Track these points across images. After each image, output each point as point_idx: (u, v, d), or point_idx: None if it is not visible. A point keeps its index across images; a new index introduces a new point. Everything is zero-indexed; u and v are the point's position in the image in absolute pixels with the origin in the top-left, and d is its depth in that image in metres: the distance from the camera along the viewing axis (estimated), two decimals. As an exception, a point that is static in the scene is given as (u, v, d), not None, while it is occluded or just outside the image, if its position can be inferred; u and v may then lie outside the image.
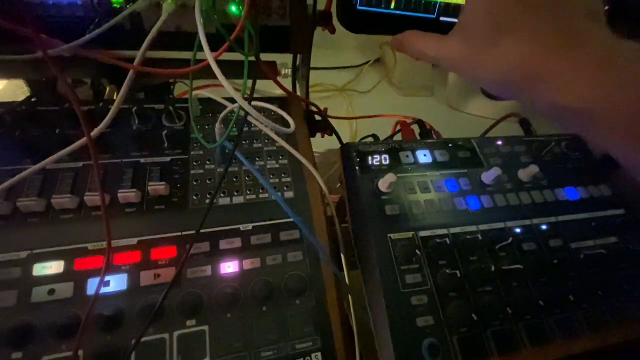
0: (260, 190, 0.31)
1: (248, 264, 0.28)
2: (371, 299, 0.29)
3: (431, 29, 0.32)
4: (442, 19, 0.31)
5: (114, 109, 0.24)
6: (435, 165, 0.37)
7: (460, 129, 0.66)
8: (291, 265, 0.28)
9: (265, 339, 0.25)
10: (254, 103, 0.31)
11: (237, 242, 0.28)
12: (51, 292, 0.24)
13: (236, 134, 0.32)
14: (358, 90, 0.87)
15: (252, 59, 0.27)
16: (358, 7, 0.31)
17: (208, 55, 0.22)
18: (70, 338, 0.23)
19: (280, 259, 0.28)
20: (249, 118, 0.25)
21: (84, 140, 0.23)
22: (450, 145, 0.39)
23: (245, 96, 0.25)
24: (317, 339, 0.26)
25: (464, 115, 0.85)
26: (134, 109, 0.31)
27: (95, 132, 0.23)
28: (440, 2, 0.31)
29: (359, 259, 0.32)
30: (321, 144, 0.50)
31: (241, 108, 0.24)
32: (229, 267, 0.27)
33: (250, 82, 0.27)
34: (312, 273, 0.28)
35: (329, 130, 0.40)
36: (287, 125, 0.29)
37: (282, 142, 0.31)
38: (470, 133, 0.53)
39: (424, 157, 0.37)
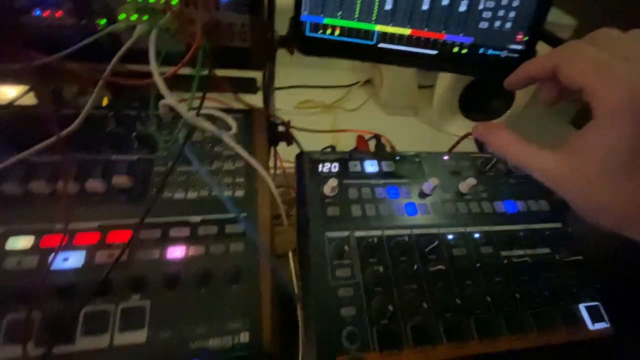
0: (215, 187, 0.35)
1: (192, 251, 0.31)
2: (303, 288, 0.32)
3: (370, 53, 0.36)
4: (380, 45, 0.36)
5: (83, 113, 0.29)
6: (380, 174, 0.40)
7: (436, 146, 0.69)
8: (232, 255, 0.32)
9: (200, 317, 0.29)
10: (209, 112, 0.36)
11: (185, 232, 0.32)
12: (19, 262, 0.28)
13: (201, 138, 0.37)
14: (345, 108, 0.92)
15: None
16: (306, 34, 0.35)
17: (155, 72, 0.27)
18: (26, 304, 0.27)
19: (222, 249, 0.32)
20: (195, 124, 0.29)
21: (55, 137, 0.28)
22: (398, 157, 0.42)
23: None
24: (247, 321, 0.29)
25: (442, 134, 0.88)
26: (110, 114, 0.36)
27: (64, 132, 0.28)
28: (378, 31, 0.35)
29: (299, 255, 0.35)
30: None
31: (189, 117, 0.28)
32: (175, 252, 0.31)
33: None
34: (250, 263, 0.32)
35: (290, 139, 0.44)
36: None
37: (233, 145, 0.35)
38: (443, 150, 0.57)
39: (370, 166, 0.40)
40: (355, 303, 0.31)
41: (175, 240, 0.31)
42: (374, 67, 1.01)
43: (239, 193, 0.36)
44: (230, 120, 0.34)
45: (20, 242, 0.29)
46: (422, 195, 0.39)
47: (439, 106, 0.87)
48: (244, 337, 0.29)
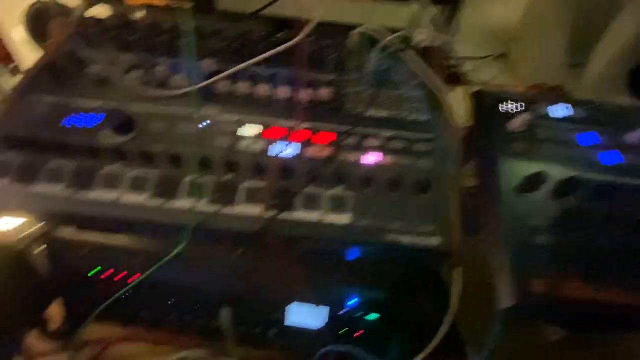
0: (402, 110, 0.37)
1: (385, 159, 0.34)
2: (489, 215, 0.32)
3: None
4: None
5: (299, 37, 0.34)
6: (571, 119, 0.37)
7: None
8: (420, 169, 0.34)
9: (394, 215, 0.31)
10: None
11: (378, 142, 0.35)
12: (248, 146, 0.34)
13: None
14: (476, 80, 0.87)
15: None
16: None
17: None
18: (258, 177, 0.32)
19: (411, 162, 0.34)
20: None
21: (276, 50, 0.35)
22: (593, 104, 0.38)
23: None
24: (438, 227, 0.31)
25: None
26: (312, 39, 0.41)
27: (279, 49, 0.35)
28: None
29: (479, 186, 0.35)
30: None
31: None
32: (370, 158, 0.34)
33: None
34: (437, 177, 0.33)
35: (462, 80, 0.43)
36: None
37: (421, 72, 0.36)
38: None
39: (560, 110, 0.38)
40: (548, 233, 0.30)
41: (370, 149, 0.34)
42: (512, 40, 0.92)
43: (424, 117, 0.37)
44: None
45: (251, 130, 0.35)
46: (625, 145, 0.35)
47: (597, 85, 0.76)
48: (436, 240, 0.30)
